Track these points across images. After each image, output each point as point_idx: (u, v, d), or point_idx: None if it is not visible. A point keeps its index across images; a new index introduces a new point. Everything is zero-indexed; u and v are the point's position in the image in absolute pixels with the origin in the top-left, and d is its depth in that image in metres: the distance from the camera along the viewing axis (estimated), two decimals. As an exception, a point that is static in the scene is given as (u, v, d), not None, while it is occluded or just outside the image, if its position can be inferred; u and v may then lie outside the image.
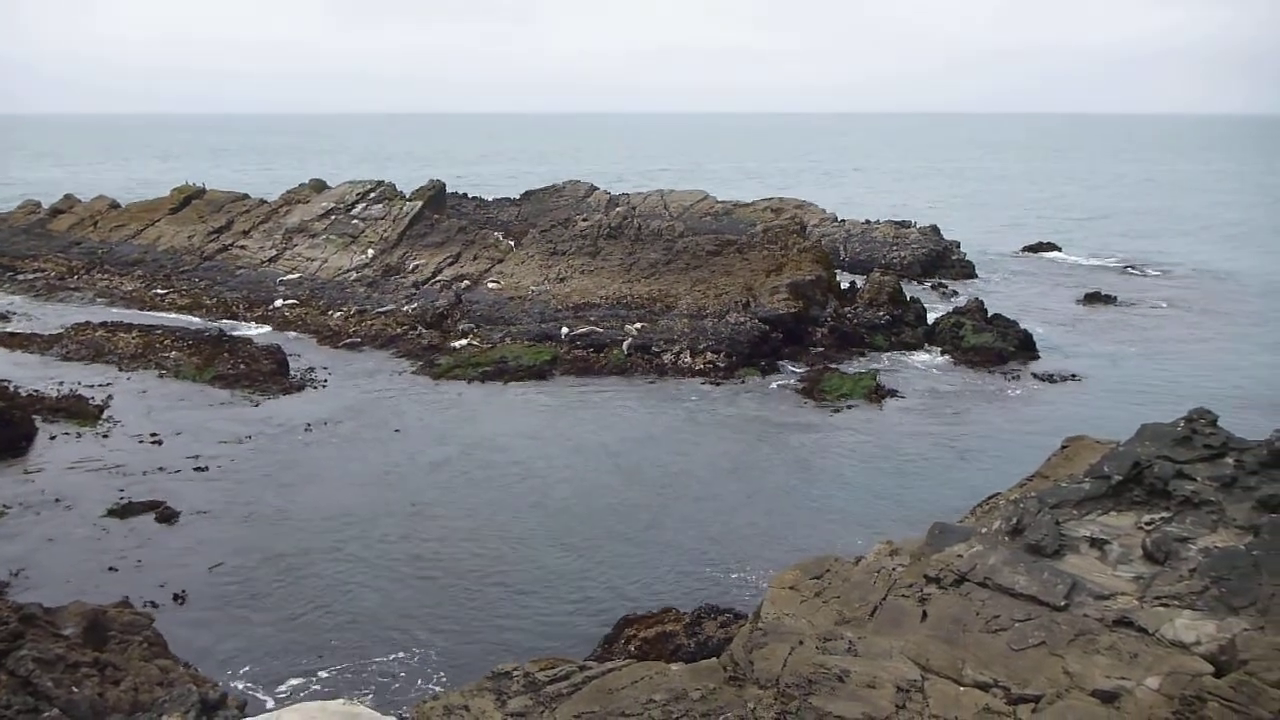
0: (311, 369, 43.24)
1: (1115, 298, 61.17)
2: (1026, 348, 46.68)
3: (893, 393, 39.97)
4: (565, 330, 47.79)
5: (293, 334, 50.32)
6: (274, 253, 62.79)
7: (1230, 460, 15.71)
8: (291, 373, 42.13)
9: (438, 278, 57.47)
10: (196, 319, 53.05)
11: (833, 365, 43.50)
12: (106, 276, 62.49)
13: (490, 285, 55.83)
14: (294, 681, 20.05)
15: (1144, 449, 16.12)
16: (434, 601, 23.42)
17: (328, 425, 35.95)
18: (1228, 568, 13.42)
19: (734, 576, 24.73)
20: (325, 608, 23.07)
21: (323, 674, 20.34)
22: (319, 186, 71.75)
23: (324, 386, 40.95)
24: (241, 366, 41.80)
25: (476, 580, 24.48)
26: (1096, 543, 14.63)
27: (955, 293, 63.15)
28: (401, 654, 21.14)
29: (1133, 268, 73.08)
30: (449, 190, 76.65)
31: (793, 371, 43.46)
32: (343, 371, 43.31)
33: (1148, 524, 14.83)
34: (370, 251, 60.86)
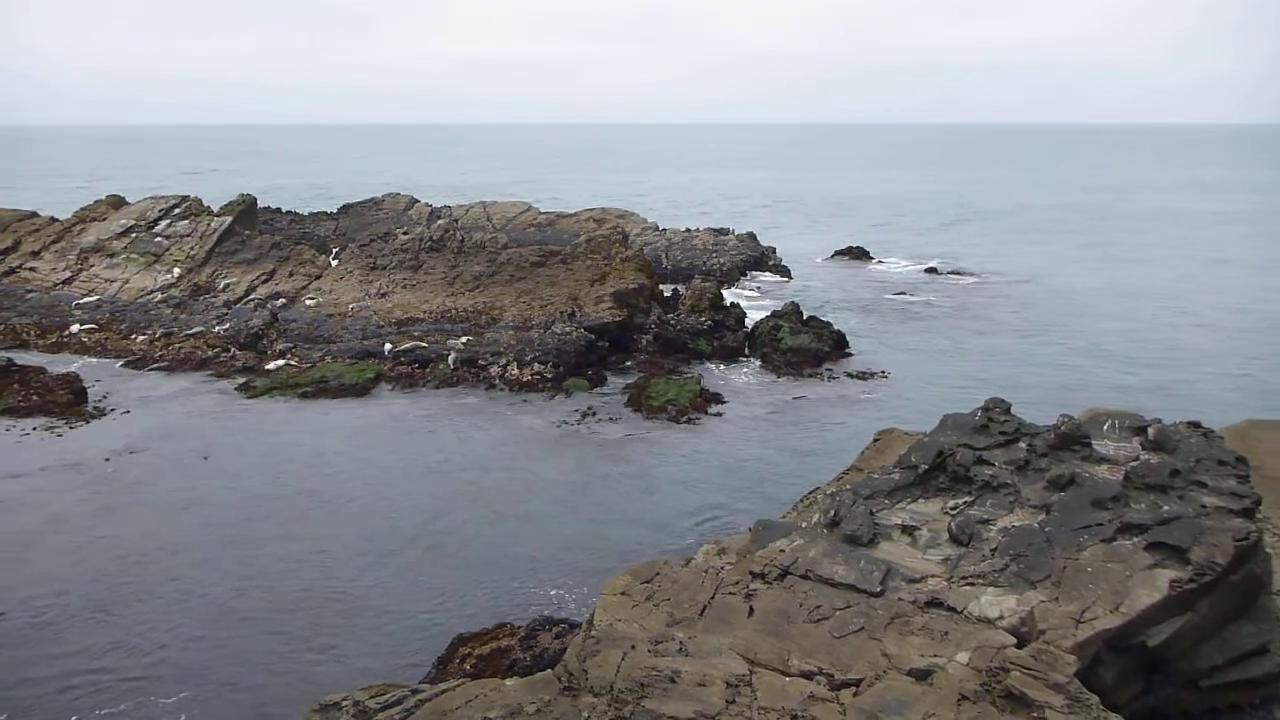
0: (114, 396, 40.67)
1: (921, 298, 64.71)
2: (840, 347, 48.76)
3: (717, 396, 40.90)
4: (388, 347, 46.70)
5: (92, 360, 47.21)
6: (68, 274, 58.73)
7: (1023, 445, 16.87)
8: (91, 401, 39.52)
9: (251, 296, 55.13)
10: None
11: (658, 372, 44.14)
12: (-127, 305, 56.94)
13: (308, 302, 53.99)
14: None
15: (946, 438, 17.11)
16: (247, 634, 22.31)
17: (131, 455, 33.89)
18: (1024, 545, 14.39)
19: (569, 587, 24.69)
20: (123, 645, 21.70)
21: (123, 717, 19.14)
22: (117, 203, 67.54)
23: (127, 414, 38.58)
24: (34, 398, 38.90)
25: (295, 610, 23.50)
26: (907, 529, 15.41)
27: (768, 289, 65.36)
28: (211, 691, 20.07)
29: (938, 270, 77.23)
30: (260, 205, 73.71)
31: (620, 380, 43.86)
32: (148, 398, 40.93)
33: (952, 509, 15.74)
34: (176, 271, 57.80)
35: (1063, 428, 16.90)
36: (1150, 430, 16.92)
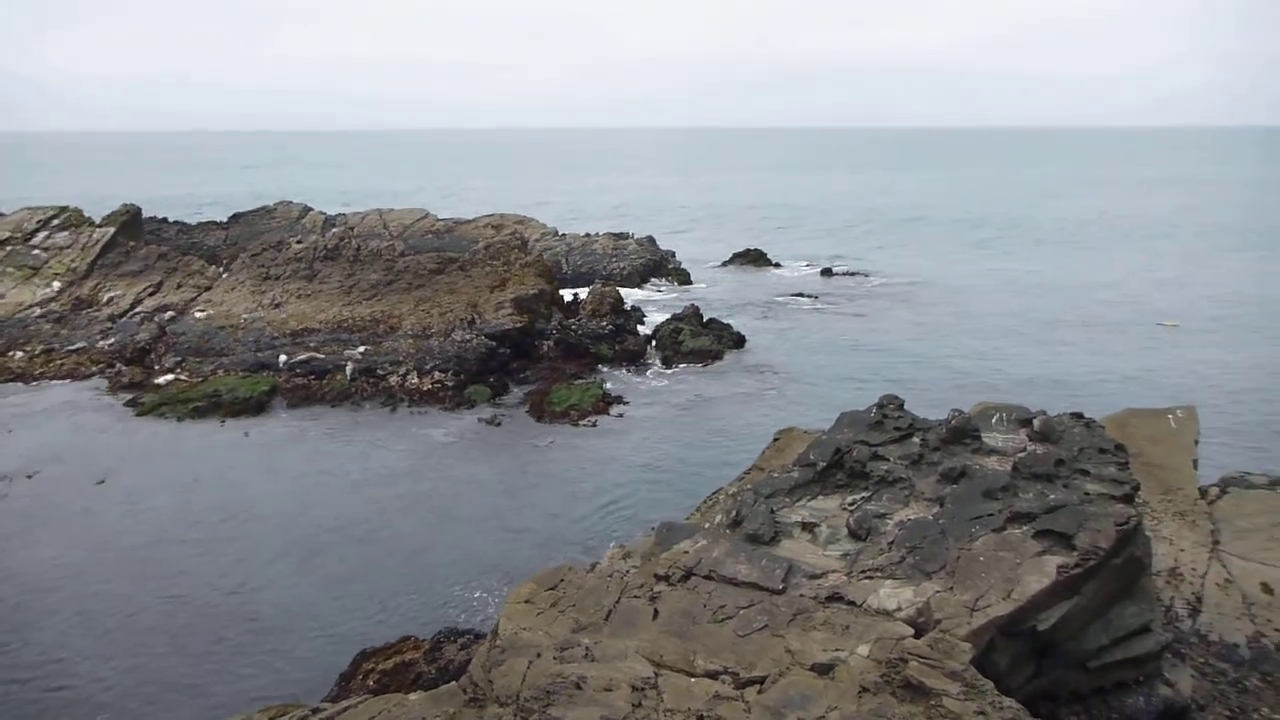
0: (-10, 418, 38.84)
1: (818, 299, 65.90)
2: (739, 347, 49.45)
3: (620, 399, 41.00)
4: (283, 358, 45.53)
5: (-35, 380, 44.94)
6: (-63, 290, 55.82)
7: (917, 440, 17.28)
8: (-35, 423, 37.66)
9: (137, 309, 53.19)
10: None
11: (560, 377, 44.00)
12: None
13: (198, 314, 52.30)
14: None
15: (843, 435, 17.44)
16: (146, 661, 21.51)
17: (13, 480, 32.31)
18: (920, 537, 14.74)
19: (478, 597, 24.44)
20: (19, 679, 20.72)
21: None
22: (-11, 215, 64.53)
23: (9, 434, 36.83)
24: (-99, 421, 36.91)
25: (207, 630, 22.75)
26: (808, 526, 15.65)
27: (668, 293, 65.85)
28: (123, 717, 19.34)
29: (834, 272, 78.72)
30: (145, 214, 71.17)
31: (522, 387, 43.59)
32: (29, 417, 39.12)
33: (850, 504, 16.04)
34: (56, 284, 55.42)
35: (954, 422, 17.37)
36: (1036, 422, 17.50)
